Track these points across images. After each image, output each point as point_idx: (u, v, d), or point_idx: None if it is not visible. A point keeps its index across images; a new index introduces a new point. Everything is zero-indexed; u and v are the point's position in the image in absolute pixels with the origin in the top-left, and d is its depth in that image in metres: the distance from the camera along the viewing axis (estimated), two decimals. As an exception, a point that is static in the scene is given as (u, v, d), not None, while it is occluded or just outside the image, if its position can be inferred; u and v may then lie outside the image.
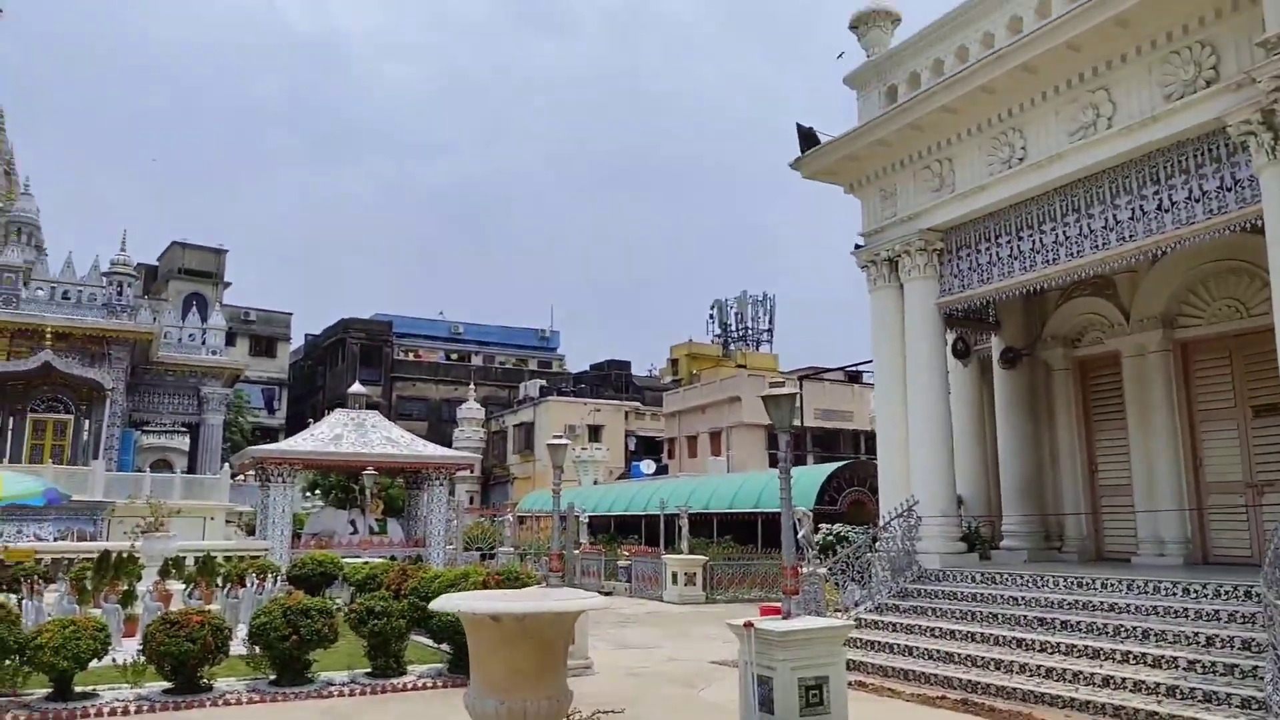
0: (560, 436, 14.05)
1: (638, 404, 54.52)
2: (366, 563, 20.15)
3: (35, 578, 16.12)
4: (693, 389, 49.27)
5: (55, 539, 26.27)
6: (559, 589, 8.64)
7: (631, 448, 51.82)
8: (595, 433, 49.83)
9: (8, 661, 9.66)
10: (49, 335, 32.69)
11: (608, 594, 23.08)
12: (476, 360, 66.62)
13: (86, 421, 34.82)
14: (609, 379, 57.40)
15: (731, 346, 67.15)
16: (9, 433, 32.99)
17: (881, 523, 13.32)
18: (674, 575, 23.05)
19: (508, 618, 3.70)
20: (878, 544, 13.14)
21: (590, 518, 33.49)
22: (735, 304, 71.07)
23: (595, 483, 43.59)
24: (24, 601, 12.78)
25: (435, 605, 4.06)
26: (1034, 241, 12.02)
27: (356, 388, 29.21)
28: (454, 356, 66.78)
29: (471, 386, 54.36)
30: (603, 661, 12.49)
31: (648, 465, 42.58)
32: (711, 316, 71.32)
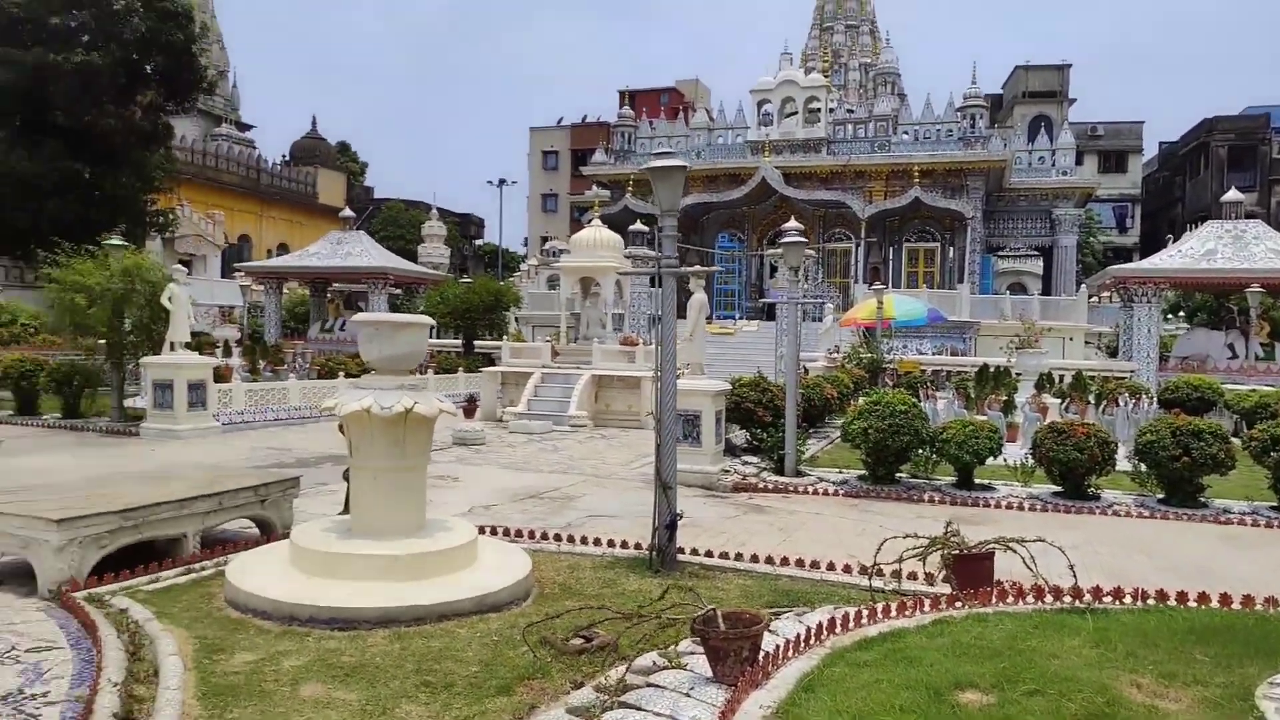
0: None
1: None
2: (1254, 390, 17.99)
3: (927, 385, 18.64)
4: None
5: (933, 353, 29.84)
6: None
7: None
8: None
9: (921, 451, 11.38)
10: (916, 173, 36.38)
11: None
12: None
13: (950, 249, 38.18)
14: None
15: None
16: (890, 262, 38.20)
17: None
18: None
19: None
20: None
21: None
22: None
23: None
24: (922, 404, 14.87)
25: None
26: None
27: (1231, 194, 25.52)
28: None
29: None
30: None
31: None
32: None
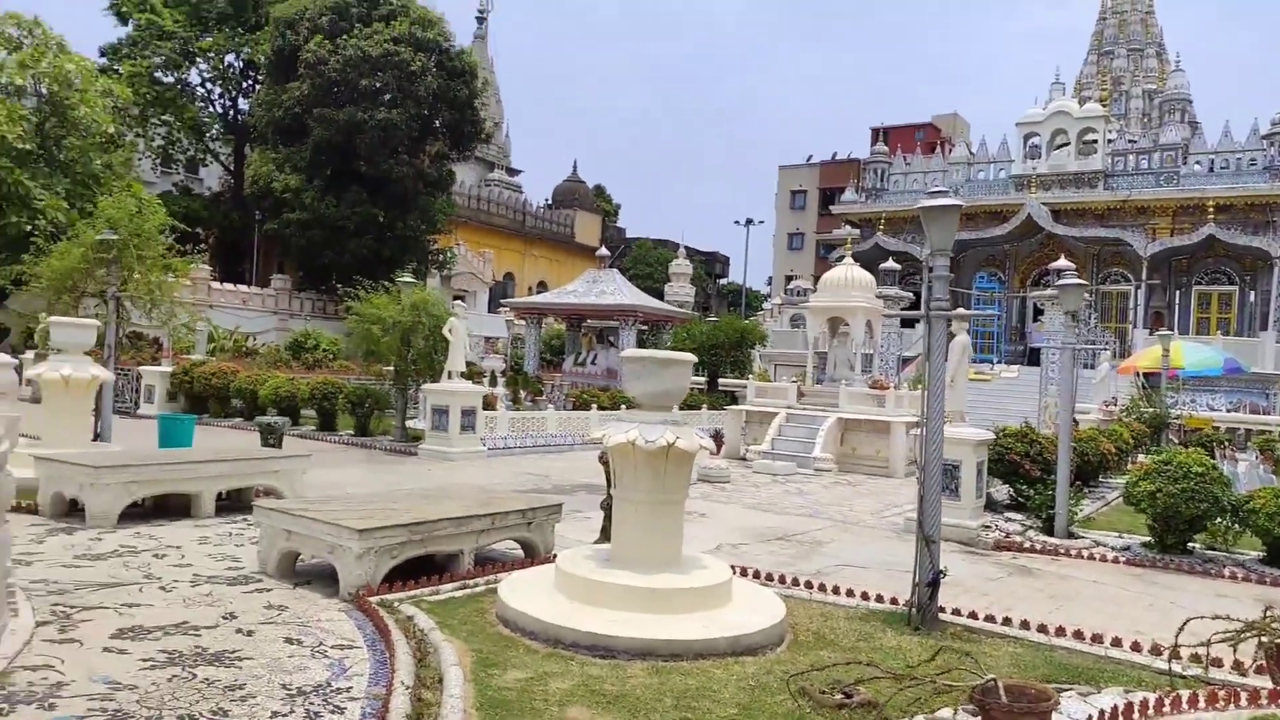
0: None
1: None
2: None
3: (1226, 444, 16.56)
4: None
5: (1227, 409, 26.51)
6: None
7: None
8: None
9: (1219, 520, 10.09)
10: (1210, 208, 32.75)
11: None
12: None
13: (1251, 293, 33.93)
14: None
15: None
16: (1176, 306, 34.53)
17: None
18: None
19: None
20: None
21: None
22: None
23: None
24: (1220, 466, 13.18)
25: None
26: None
27: None
28: None
29: None
30: None
31: None
32: None
